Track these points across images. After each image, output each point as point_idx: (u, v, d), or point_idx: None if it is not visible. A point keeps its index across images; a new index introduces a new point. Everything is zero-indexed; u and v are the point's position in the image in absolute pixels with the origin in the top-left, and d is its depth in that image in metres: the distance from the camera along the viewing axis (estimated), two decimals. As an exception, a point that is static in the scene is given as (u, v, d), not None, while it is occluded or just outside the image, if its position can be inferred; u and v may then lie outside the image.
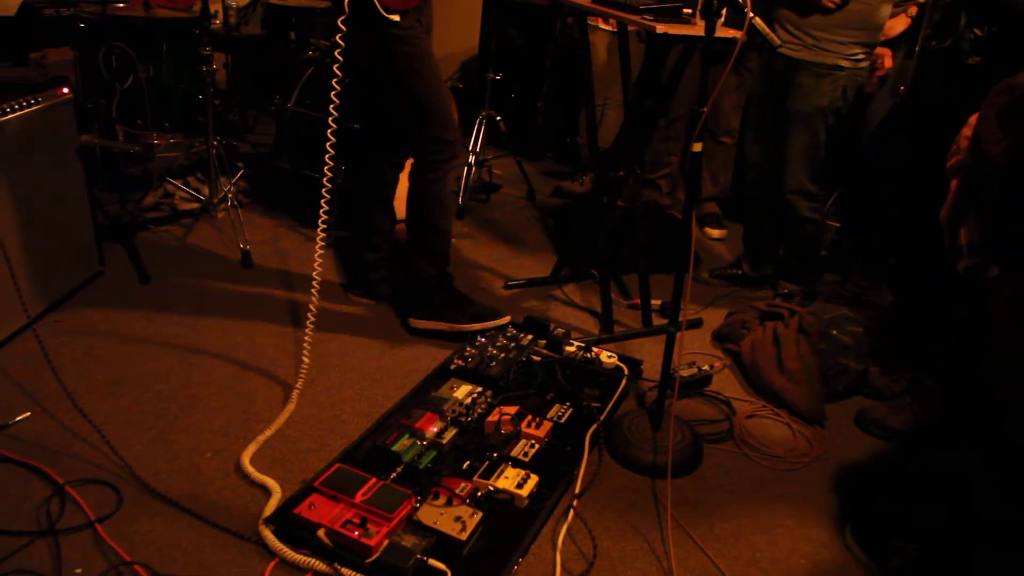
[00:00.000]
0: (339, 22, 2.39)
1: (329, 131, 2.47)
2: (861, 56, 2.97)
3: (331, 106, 2.46)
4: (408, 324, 2.92)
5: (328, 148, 2.48)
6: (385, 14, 2.48)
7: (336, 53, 2.43)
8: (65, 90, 2.79)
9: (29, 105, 2.61)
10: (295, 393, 2.47)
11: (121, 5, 3.87)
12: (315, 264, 2.53)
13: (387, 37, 2.56)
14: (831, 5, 2.88)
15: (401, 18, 2.53)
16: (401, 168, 3.02)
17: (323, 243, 2.52)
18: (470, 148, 4.20)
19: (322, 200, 2.53)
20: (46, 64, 3.40)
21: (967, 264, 1.54)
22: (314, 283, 2.55)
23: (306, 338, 2.56)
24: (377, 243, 3.04)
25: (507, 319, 2.88)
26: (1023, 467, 1.82)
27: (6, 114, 2.51)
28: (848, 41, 2.92)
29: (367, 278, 3.08)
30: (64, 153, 2.82)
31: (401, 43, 2.58)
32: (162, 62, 3.93)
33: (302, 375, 2.53)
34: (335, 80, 2.45)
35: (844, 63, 2.94)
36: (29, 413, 2.27)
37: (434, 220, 2.83)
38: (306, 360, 2.55)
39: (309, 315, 2.56)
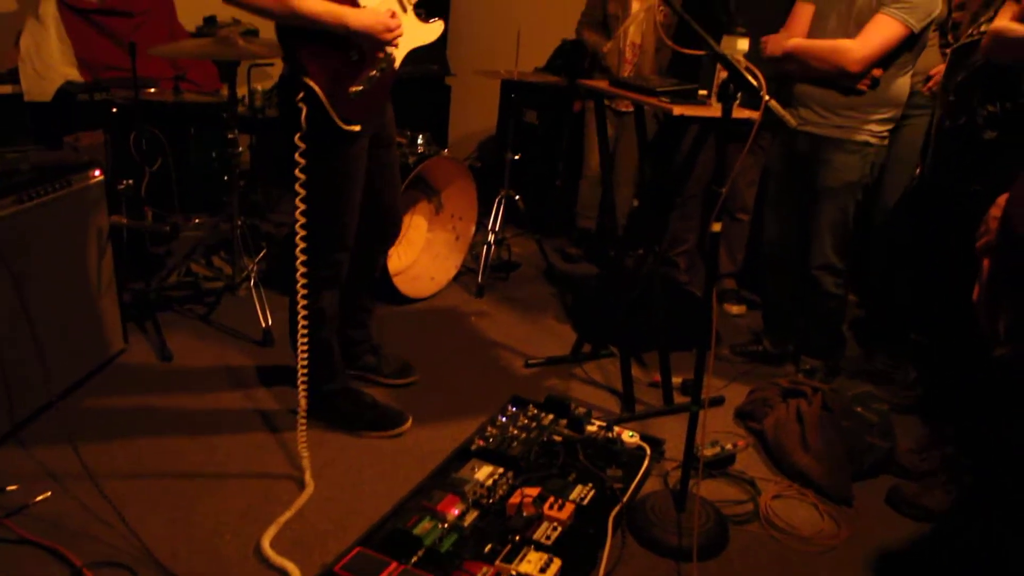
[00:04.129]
0: (296, 139, 2.24)
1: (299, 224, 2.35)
2: (886, 133, 3.00)
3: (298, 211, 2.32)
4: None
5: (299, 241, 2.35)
6: (344, 125, 2.32)
7: (296, 171, 2.27)
8: (97, 173, 2.87)
9: (63, 187, 2.69)
10: (307, 476, 2.44)
11: (152, 91, 4.00)
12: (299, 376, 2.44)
13: (335, 154, 2.40)
14: (864, 88, 2.92)
15: (362, 128, 2.37)
16: (386, 253, 2.96)
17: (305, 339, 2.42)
18: (489, 227, 4.25)
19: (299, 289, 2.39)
20: (79, 147, 3.50)
21: (1004, 352, 1.52)
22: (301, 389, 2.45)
23: (300, 430, 2.47)
24: (361, 320, 3.00)
25: (408, 424, 2.77)
26: None
27: (41, 196, 2.59)
28: (877, 119, 2.96)
29: (351, 352, 3.00)
30: (94, 233, 2.88)
31: (342, 162, 2.43)
32: (190, 144, 4.04)
33: (305, 467, 2.47)
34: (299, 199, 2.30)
35: (872, 140, 2.98)
36: (50, 493, 2.26)
37: (318, 335, 2.57)
38: (304, 454, 2.48)
39: (300, 411, 2.46)
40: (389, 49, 2.38)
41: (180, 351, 3.17)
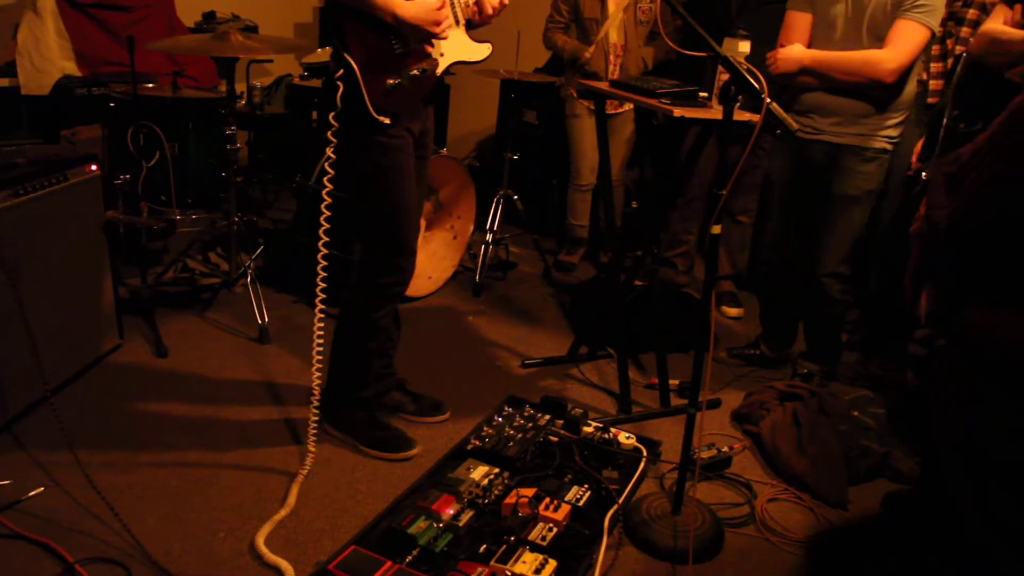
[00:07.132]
0: (330, 117, 2.24)
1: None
2: (897, 138, 2.99)
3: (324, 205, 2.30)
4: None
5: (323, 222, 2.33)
6: (376, 115, 2.26)
7: (329, 150, 2.27)
8: (93, 167, 2.86)
9: (59, 181, 2.68)
10: (305, 471, 2.44)
11: (150, 86, 3.99)
12: (314, 363, 2.42)
13: (368, 143, 2.33)
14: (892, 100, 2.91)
15: (392, 122, 2.32)
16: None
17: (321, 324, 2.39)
18: (487, 227, 4.24)
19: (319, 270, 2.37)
20: (76, 141, 3.48)
21: (923, 335, 1.56)
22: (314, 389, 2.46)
23: (311, 428, 2.49)
24: (384, 348, 2.76)
25: (415, 451, 2.63)
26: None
27: (38, 190, 2.57)
28: (892, 123, 2.94)
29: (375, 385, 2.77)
30: (90, 228, 2.87)
31: (380, 154, 2.35)
32: (188, 140, 4.02)
33: (307, 462, 2.48)
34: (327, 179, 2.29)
35: (888, 146, 2.96)
36: (43, 488, 2.25)
37: (363, 344, 2.58)
38: (312, 448, 2.49)
39: (312, 409, 2.47)
40: (434, 51, 2.33)
41: (175, 347, 3.15)
